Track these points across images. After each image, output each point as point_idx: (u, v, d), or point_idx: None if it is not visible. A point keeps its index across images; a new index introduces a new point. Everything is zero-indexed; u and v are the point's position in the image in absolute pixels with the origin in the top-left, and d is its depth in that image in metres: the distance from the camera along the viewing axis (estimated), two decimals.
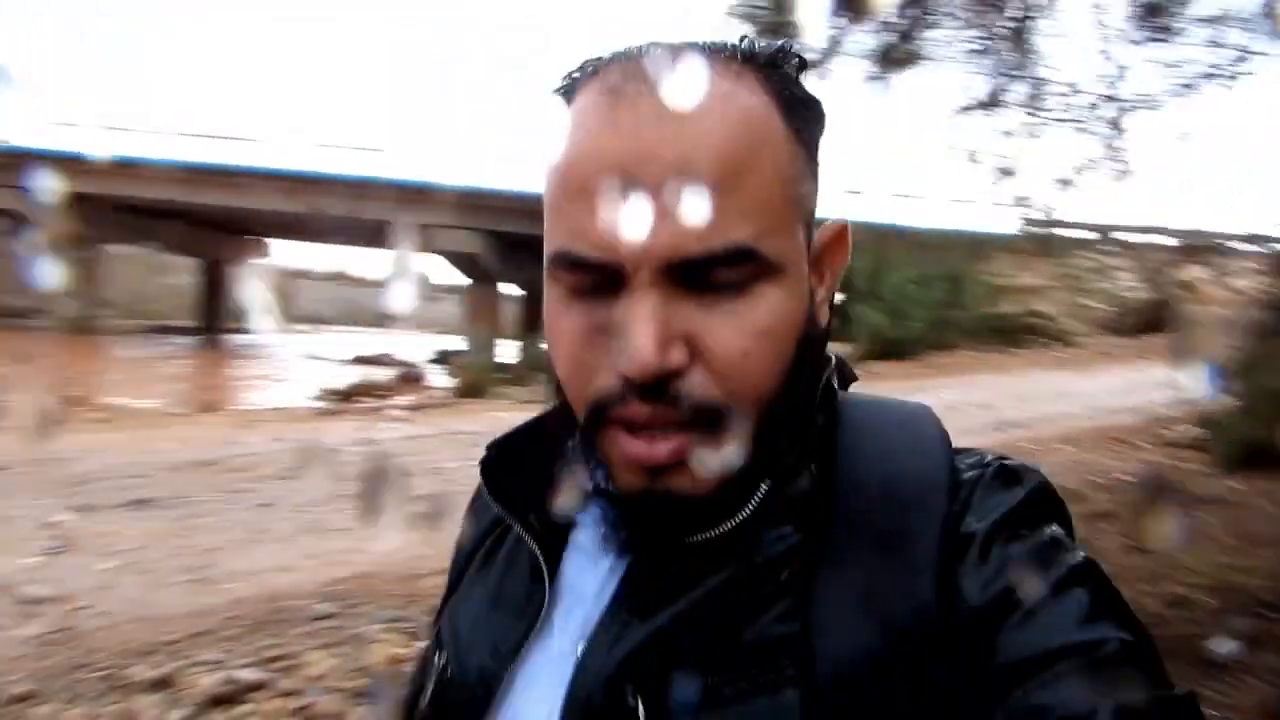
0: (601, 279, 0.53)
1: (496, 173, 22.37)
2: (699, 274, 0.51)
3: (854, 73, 3.82)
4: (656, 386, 0.52)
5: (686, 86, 0.52)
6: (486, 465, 0.66)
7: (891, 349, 14.84)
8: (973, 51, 3.96)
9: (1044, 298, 17.14)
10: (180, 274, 35.88)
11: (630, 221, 0.51)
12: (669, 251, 0.50)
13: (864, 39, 3.81)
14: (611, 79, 0.54)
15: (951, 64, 3.97)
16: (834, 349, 0.65)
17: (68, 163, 22.03)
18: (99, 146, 22.22)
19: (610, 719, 0.54)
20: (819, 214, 0.61)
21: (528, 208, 21.87)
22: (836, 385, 0.62)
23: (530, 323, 24.34)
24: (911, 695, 0.50)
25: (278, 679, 2.98)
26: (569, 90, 0.57)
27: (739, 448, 0.53)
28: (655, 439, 0.53)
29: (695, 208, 0.50)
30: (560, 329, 0.56)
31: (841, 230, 0.62)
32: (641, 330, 0.50)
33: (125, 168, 21.33)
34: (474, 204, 21.66)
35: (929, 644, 0.50)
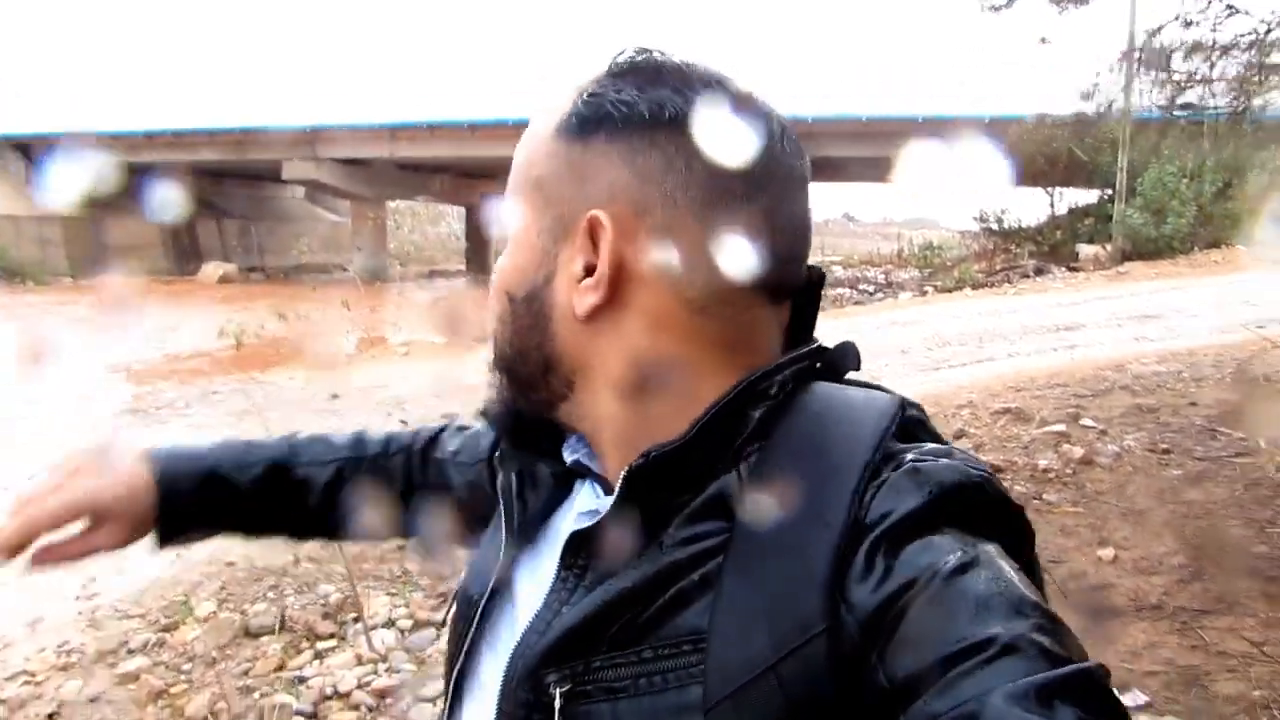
0: None
1: None
2: None
3: None
4: None
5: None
6: (487, 414, 0.68)
7: (1148, 247, 13.90)
8: None
9: None
10: (450, 222, 39.10)
11: None
12: None
13: None
14: None
15: None
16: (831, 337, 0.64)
17: (351, 131, 24.88)
18: (376, 114, 24.82)
19: (534, 707, 0.57)
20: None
21: None
22: (780, 383, 0.59)
23: None
24: (795, 707, 0.49)
25: None
26: None
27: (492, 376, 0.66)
28: None
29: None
30: None
31: (590, 219, 0.59)
32: None
33: (403, 130, 23.78)
34: None
35: (817, 657, 0.49)
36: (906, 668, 0.46)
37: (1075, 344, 7.34)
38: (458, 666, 0.66)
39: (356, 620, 3.32)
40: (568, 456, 0.65)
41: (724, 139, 0.58)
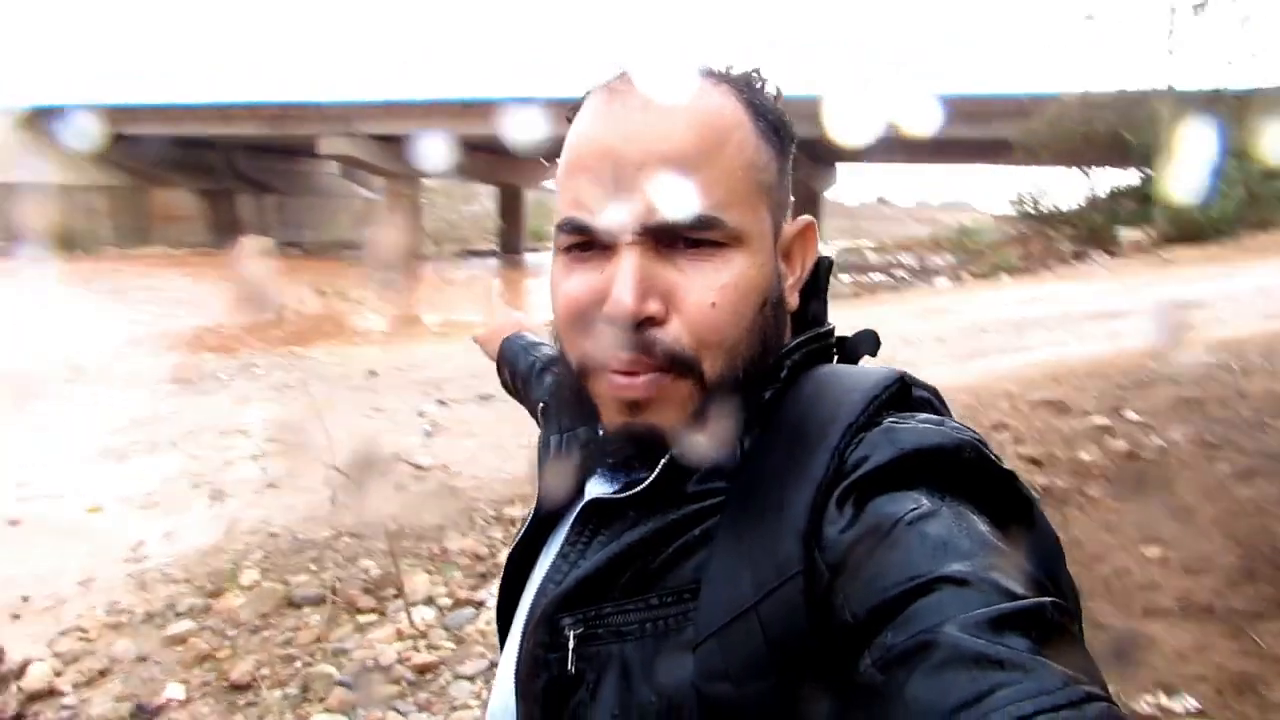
0: (595, 243, 0.62)
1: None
2: (673, 238, 0.61)
3: None
4: (635, 331, 0.60)
5: (668, 85, 0.62)
6: (545, 407, 0.77)
7: (1193, 231, 13.55)
8: None
9: None
10: (483, 201, 39.19)
11: (615, 192, 0.60)
12: (646, 217, 0.60)
13: None
14: (610, 83, 0.65)
15: None
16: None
17: (387, 108, 24.94)
18: (408, 89, 24.87)
19: (549, 647, 0.62)
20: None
21: None
22: (794, 364, 0.65)
23: None
24: (773, 645, 0.52)
25: None
26: (581, 103, 0.67)
27: (709, 390, 0.62)
28: (637, 375, 0.61)
29: (668, 181, 0.60)
30: (561, 290, 0.65)
31: (807, 226, 0.70)
32: (622, 282, 0.59)
33: (436, 107, 23.79)
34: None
35: (793, 598, 0.52)
36: (868, 604, 0.48)
37: (1117, 332, 7.21)
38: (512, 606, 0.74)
39: (396, 596, 3.37)
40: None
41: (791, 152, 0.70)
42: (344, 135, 25.50)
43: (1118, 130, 15.47)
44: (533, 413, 1.07)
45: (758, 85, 0.67)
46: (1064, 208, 17.22)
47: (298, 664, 2.95)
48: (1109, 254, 13.96)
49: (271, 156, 30.31)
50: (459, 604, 3.29)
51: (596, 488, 0.69)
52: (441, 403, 6.85)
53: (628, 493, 0.63)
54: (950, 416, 0.62)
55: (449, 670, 2.82)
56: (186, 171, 28.27)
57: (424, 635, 3.06)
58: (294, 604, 3.40)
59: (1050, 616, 0.46)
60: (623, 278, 0.60)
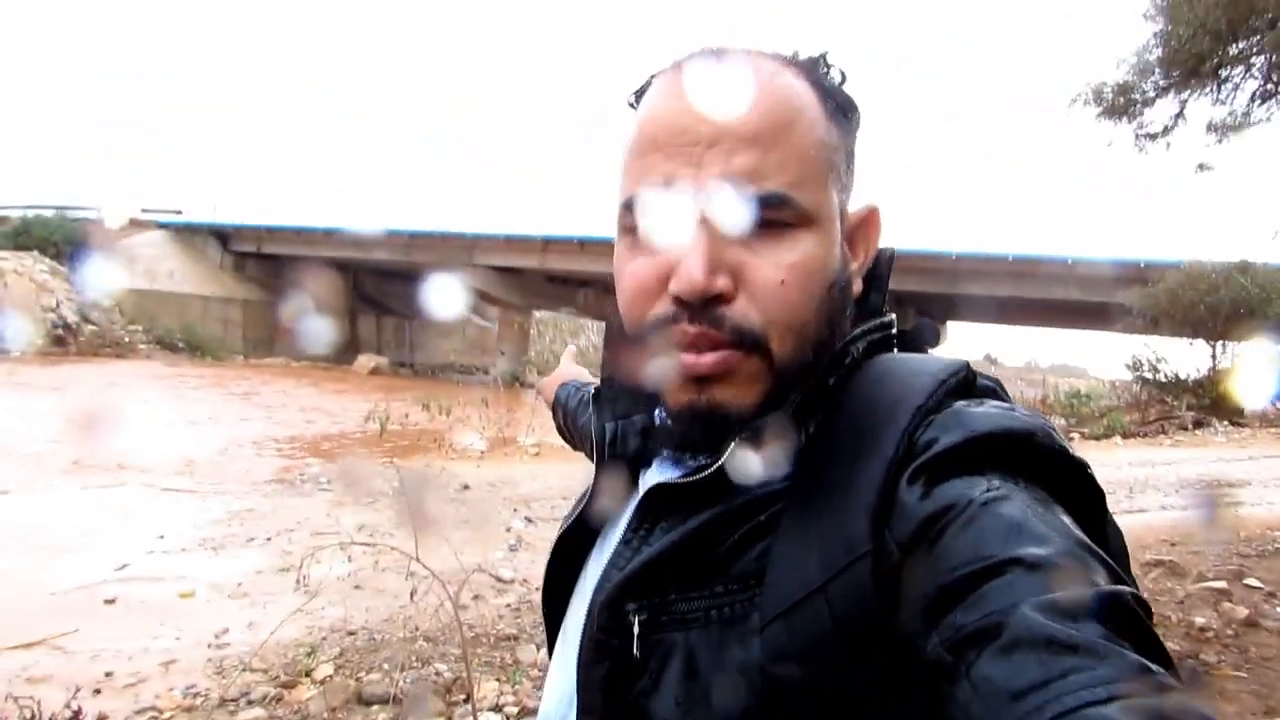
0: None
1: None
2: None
3: None
4: (704, 308, 0.59)
5: (737, 65, 0.62)
6: (597, 394, 0.77)
7: None
8: None
9: None
10: (589, 335, 40.35)
11: (685, 169, 0.59)
12: (717, 194, 0.58)
13: None
14: (680, 63, 0.65)
15: None
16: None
17: (507, 242, 26.26)
18: (530, 227, 26.16)
19: (613, 633, 0.61)
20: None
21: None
22: (858, 352, 0.65)
23: None
24: (841, 625, 0.51)
25: None
26: (645, 87, 0.67)
27: (777, 371, 0.60)
28: (703, 352, 0.60)
29: (740, 158, 0.58)
30: (626, 270, 0.64)
31: (872, 212, 0.69)
32: (692, 257, 0.58)
33: (554, 244, 24.95)
34: None
35: (862, 577, 0.51)
36: (938, 583, 0.47)
37: (1240, 501, 6.79)
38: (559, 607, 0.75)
39: (465, 701, 3.33)
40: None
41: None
42: (466, 265, 26.81)
43: (1245, 302, 14.91)
44: (581, 446, 1.10)
45: (824, 70, 0.67)
46: (1184, 375, 16.52)
47: None
48: (1233, 424, 13.27)
49: (393, 280, 32.10)
50: (525, 712, 3.22)
51: (656, 475, 0.68)
52: (528, 520, 6.91)
53: (693, 477, 0.62)
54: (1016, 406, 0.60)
55: None
56: (315, 290, 30.08)
57: None
58: (363, 701, 3.40)
59: (1127, 604, 0.44)
60: (692, 254, 0.59)
